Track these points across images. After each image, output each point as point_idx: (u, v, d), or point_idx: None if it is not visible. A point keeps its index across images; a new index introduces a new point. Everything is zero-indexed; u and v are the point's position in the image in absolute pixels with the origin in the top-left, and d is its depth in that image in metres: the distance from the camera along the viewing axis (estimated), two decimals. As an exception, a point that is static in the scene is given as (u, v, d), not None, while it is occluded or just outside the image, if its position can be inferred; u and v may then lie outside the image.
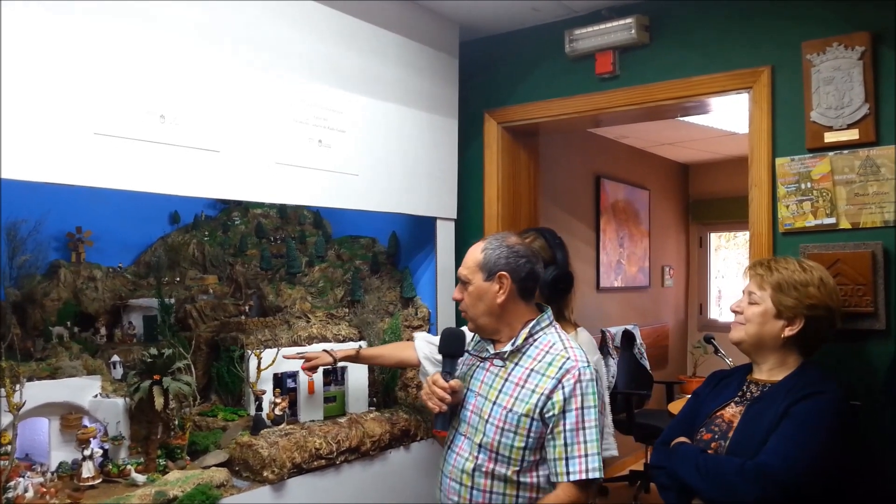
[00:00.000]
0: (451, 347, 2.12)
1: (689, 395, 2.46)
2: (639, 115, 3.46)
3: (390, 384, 3.19)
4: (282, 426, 2.68)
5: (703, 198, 7.72)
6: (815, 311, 2.11)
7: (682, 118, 4.84)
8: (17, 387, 2.12)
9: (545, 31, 3.47)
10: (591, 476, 1.92)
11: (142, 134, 2.17)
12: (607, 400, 2.54)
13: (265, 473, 2.44)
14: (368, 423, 2.86)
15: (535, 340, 2.07)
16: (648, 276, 6.91)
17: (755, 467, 1.92)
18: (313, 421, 2.83)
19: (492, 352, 2.11)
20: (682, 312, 7.74)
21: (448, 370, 2.09)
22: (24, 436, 2.25)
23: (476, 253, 2.09)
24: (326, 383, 2.98)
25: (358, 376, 3.06)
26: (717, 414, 2.18)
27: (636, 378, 5.76)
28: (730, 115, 4.68)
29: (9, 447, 2.10)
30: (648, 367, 5.90)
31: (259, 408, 2.70)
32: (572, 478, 1.92)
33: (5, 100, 1.88)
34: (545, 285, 2.51)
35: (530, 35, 3.54)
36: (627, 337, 5.86)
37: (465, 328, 2.20)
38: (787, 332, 2.11)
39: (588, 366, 2.01)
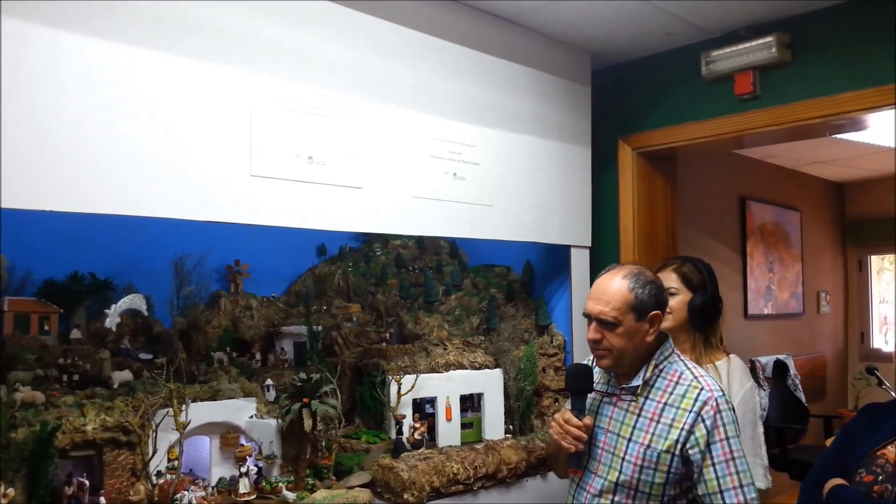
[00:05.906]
0: (580, 383, 2.05)
1: (837, 432, 2.29)
2: (783, 135, 3.33)
3: (526, 412, 3.20)
4: (421, 450, 2.76)
5: (862, 218, 7.21)
6: None
7: (834, 135, 4.57)
8: (184, 407, 2.33)
9: (679, 55, 3.42)
10: None
11: (292, 174, 2.36)
12: (761, 430, 2.43)
13: (405, 496, 2.52)
14: (505, 451, 2.89)
15: (660, 371, 2.02)
16: (802, 303, 6.53)
17: None
18: (451, 446, 2.90)
19: (618, 386, 2.06)
20: (842, 341, 7.23)
21: (578, 408, 2.03)
22: (188, 453, 2.46)
23: (623, 292, 1.96)
24: (463, 409, 3.04)
25: (494, 403, 3.10)
26: (878, 453, 2.02)
27: (790, 411, 5.43)
28: (890, 130, 4.37)
29: (176, 462, 2.31)
30: (804, 400, 5.54)
31: (399, 432, 2.80)
32: None
33: (175, 148, 2.11)
34: (695, 311, 2.45)
35: (664, 59, 3.50)
36: (780, 367, 5.53)
37: (587, 362, 2.15)
38: None
39: (723, 394, 1.95)
